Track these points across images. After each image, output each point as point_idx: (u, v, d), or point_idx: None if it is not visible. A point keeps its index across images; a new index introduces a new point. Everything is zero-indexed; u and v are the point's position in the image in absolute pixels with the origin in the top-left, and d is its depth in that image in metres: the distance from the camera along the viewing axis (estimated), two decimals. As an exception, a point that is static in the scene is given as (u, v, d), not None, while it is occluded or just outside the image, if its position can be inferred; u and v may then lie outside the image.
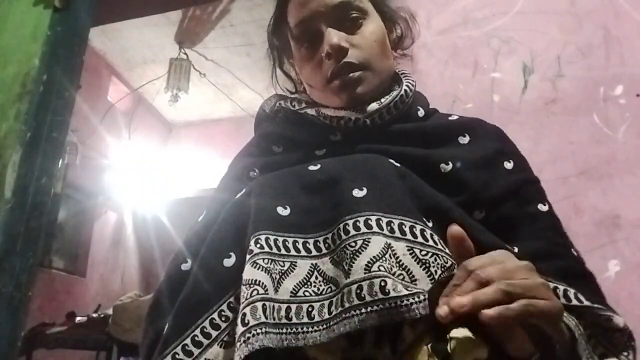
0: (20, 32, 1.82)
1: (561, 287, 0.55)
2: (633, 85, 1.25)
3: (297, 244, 0.56)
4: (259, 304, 0.50)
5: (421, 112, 0.73)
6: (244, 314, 0.49)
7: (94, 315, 2.91)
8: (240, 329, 0.48)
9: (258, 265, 0.53)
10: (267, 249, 0.54)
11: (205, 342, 0.53)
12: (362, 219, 0.53)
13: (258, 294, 0.51)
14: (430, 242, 0.52)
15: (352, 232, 0.53)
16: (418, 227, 0.53)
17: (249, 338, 0.48)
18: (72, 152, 3.48)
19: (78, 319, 2.89)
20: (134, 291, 3.37)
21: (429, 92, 1.38)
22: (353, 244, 0.52)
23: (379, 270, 0.49)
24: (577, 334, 0.52)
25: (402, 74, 0.77)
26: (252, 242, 0.55)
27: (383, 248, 0.51)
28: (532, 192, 0.67)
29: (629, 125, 1.23)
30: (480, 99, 1.35)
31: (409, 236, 0.52)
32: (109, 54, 4.22)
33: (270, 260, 0.53)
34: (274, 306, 0.51)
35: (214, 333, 0.54)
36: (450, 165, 0.64)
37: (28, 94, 1.70)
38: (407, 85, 0.71)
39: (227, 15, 3.68)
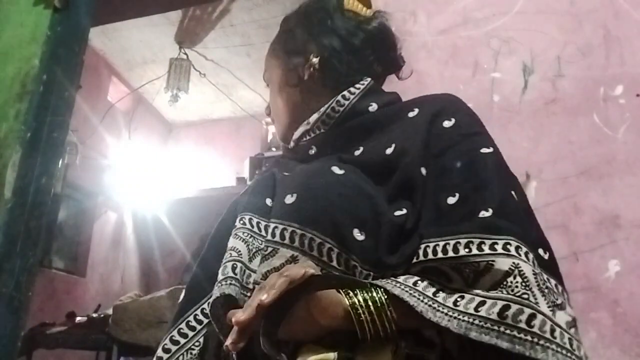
0: (20, 32, 1.82)
1: (431, 244, 0.58)
2: (633, 85, 1.25)
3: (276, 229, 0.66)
4: (229, 264, 0.63)
5: (373, 107, 0.80)
6: (219, 275, 0.63)
7: (94, 315, 2.91)
8: (215, 285, 0.62)
9: (238, 237, 0.66)
10: (248, 226, 0.67)
11: (199, 326, 0.68)
12: (281, 227, 0.63)
13: (231, 256, 0.64)
14: (334, 263, 0.60)
15: (269, 237, 0.64)
16: (327, 246, 0.60)
17: (216, 290, 0.61)
18: (72, 152, 3.47)
19: (78, 319, 2.89)
20: (134, 291, 3.37)
21: (429, 92, 1.38)
22: (265, 250, 0.64)
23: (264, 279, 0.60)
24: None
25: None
26: (237, 221, 0.68)
27: (287, 260, 0.61)
28: (470, 142, 0.69)
29: (629, 125, 1.23)
30: (480, 99, 1.35)
31: (315, 252, 0.60)
32: (109, 54, 4.22)
33: (250, 235, 0.66)
34: (244, 269, 0.63)
35: (205, 320, 0.67)
36: (393, 147, 0.70)
37: (28, 94, 1.70)
38: (343, 94, 0.80)
39: (227, 15, 3.68)
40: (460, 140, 0.69)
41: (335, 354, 0.54)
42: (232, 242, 0.66)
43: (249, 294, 0.61)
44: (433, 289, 0.55)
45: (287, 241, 0.61)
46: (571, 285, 1.14)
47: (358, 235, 0.61)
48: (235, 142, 4.77)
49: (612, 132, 1.24)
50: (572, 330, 0.53)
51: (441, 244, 0.57)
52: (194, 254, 0.76)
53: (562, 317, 0.53)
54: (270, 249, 0.63)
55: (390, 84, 1.45)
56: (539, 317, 0.50)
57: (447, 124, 0.71)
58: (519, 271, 0.52)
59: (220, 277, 0.62)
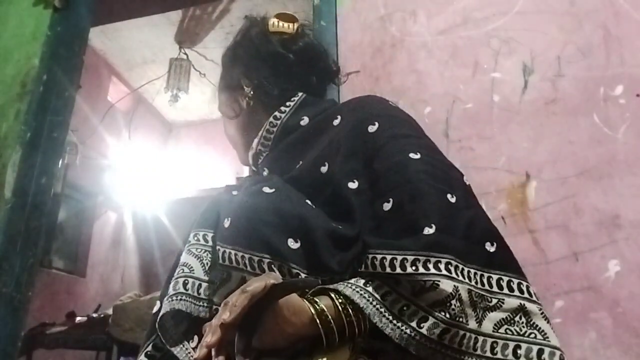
0: (20, 32, 1.82)
1: (378, 257, 0.60)
2: (633, 85, 1.25)
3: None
4: (181, 280, 0.67)
5: (304, 121, 0.84)
6: (170, 289, 0.67)
7: (94, 315, 2.91)
8: (165, 299, 0.66)
9: (191, 253, 0.70)
10: (202, 241, 0.71)
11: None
12: (227, 251, 0.66)
13: (183, 272, 0.68)
14: (277, 274, 0.62)
15: (221, 261, 0.66)
16: (265, 261, 0.63)
17: (166, 304, 0.65)
18: (72, 152, 3.48)
19: (78, 319, 2.89)
20: (134, 291, 3.37)
21: (429, 92, 1.39)
22: (222, 273, 0.66)
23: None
24: (337, 299, 0.58)
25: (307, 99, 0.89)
26: (191, 236, 0.72)
27: (239, 283, 0.63)
28: (396, 144, 0.70)
29: (629, 125, 1.23)
30: (480, 99, 1.35)
31: (257, 270, 0.63)
32: (109, 54, 4.22)
33: (203, 250, 0.70)
34: (197, 283, 0.67)
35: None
36: (327, 165, 0.72)
37: (28, 94, 1.70)
38: (275, 115, 0.85)
39: (227, 15, 3.68)
40: (386, 143, 0.70)
41: None
42: (184, 257, 0.70)
43: (203, 304, 0.66)
44: (382, 292, 0.58)
45: (234, 264, 0.65)
46: (571, 285, 1.15)
47: (292, 244, 0.64)
48: (235, 142, 4.76)
49: (612, 132, 1.24)
50: (503, 328, 0.59)
51: (388, 257, 0.59)
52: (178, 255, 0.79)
53: (491, 321, 0.59)
54: (226, 274, 0.66)
55: (390, 85, 1.45)
56: (467, 335, 0.56)
57: (371, 128, 0.72)
58: (459, 295, 0.56)
59: (171, 291, 0.67)
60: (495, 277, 0.62)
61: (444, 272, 0.57)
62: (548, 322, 0.62)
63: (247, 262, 0.63)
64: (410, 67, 1.44)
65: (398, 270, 0.57)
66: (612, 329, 1.10)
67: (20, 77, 1.78)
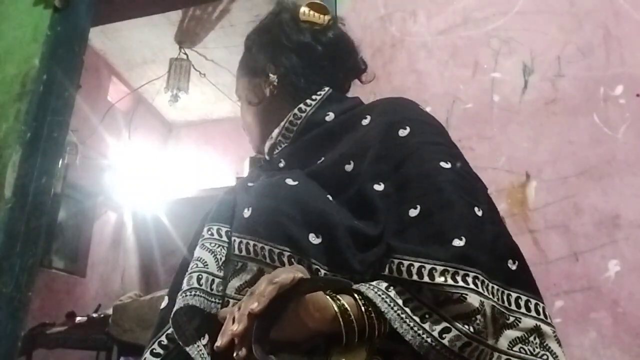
0: (20, 32, 1.82)
1: (405, 263, 0.59)
2: (633, 85, 1.25)
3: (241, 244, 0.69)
4: (195, 275, 0.66)
5: (330, 117, 0.81)
6: (184, 284, 0.66)
7: (94, 315, 2.91)
8: (179, 295, 0.65)
9: (205, 247, 0.69)
10: (216, 236, 0.70)
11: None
12: (245, 241, 0.66)
13: (197, 267, 0.67)
14: (303, 268, 0.61)
15: (236, 251, 0.67)
16: (286, 254, 0.63)
17: (180, 300, 0.64)
18: (72, 152, 3.47)
19: (78, 319, 2.88)
20: (134, 291, 3.37)
21: (429, 92, 1.39)
22: (235, 264, 0.66)
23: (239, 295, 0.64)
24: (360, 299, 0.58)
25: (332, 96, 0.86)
26: (205, 229, 0.71)
27: (256, 274, 0.64)
28: (427, 152, 0.70)
29: (629, 125, 1.23)
30: (480, 99, 1.36)
31: (277, 263, 0.62)
32: (109, 54, 4.22)
33: (217, 245, 0.69)
34: (210, 279, 0.66)
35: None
36: (352, 164, 0.71)
37: (28, 94, 1.70)
38: (300, 107, 0.82)
39: (227, 15, 3.68)
40: (417, 149, 0.69)
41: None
42: (198, 252, 0.69)
43: (215, 300, 0.66)
44: (403, 298, 0.58)
45: (252, 255, 0.64)
46: (571, 285, 1.15)
47: (314, 239, 0.63)
48: (235, 142, 4.76)
49: (612, 132, 1.24)
50: (517, 347, 0.60)
51: (416, 265, 0.58)
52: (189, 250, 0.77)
53: (506, 338, 0.60)
54: (240, 264, 0.66)
55: (390, 85, 1.45)
56: (485, 350, 0.57)
57: (402, 132, 0.71)
58: (484, 310, 0.57)
59: (185, 287, 0.65)
60: (514, 295, 0.62)
61: (472, 285, 0.57)
62: (560, 346, 0.63)
63: (266, 253, 0.63)
64: (410, 67, 1.44)
65: (426, 279, 0.57)
66: (612, 329, 1.10)
67: (20, 77, 1.77)
